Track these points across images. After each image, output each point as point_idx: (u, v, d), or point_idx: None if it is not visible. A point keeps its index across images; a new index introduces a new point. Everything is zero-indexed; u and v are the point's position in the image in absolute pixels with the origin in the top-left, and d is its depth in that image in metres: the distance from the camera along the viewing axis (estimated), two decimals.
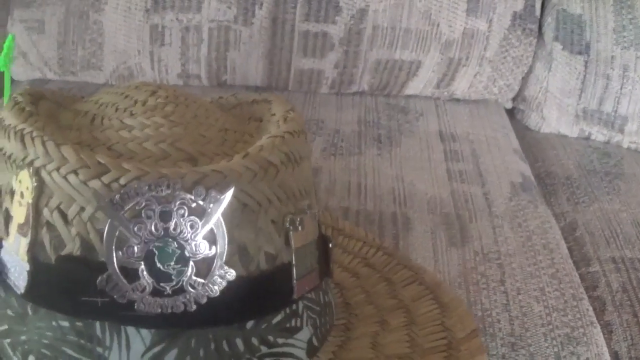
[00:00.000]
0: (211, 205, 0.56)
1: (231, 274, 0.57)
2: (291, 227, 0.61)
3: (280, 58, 1.35)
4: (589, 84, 1.36)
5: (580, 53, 1.36)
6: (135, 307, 0.56)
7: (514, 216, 1.03)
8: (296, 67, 1.36)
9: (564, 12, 1.37)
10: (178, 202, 0.55)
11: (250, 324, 0.60)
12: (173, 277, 0.56)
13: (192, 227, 0.56)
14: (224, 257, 0.57)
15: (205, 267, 0.56)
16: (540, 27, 1.40)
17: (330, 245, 0.69)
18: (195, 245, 0.56)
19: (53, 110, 0.68)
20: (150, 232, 0.55)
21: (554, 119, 1.40)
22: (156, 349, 0.58)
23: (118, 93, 0.68)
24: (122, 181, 0.55)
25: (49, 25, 1.36)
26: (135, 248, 0.55)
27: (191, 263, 0.56)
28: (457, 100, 1.42)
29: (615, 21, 1.33)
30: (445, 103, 1.40)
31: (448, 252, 0.94)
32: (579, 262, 1.03)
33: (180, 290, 0.56)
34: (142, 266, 0.55)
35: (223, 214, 0.56)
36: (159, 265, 0.56)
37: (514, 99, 1.46)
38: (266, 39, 1.33)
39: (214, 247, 0.56)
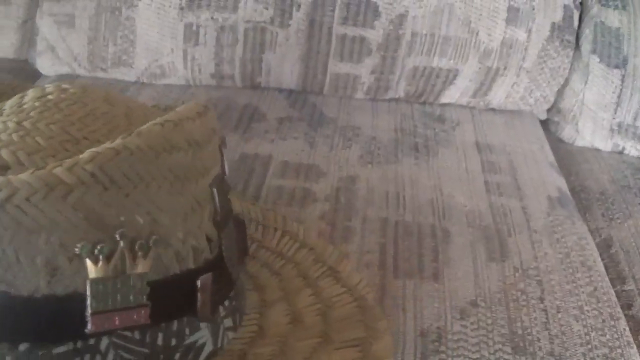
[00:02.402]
0: None
1: None
2: (85, 255, 0.57)
3: (316, 61, 1.34)
4: (625, 98, 1.34)
5: (617, 67, 1.34)
6: None
7: (552, 232, 1.02)
8: (332, 72, 1.34)
9: (602, 24, 1.36)
10: None
11: (23, 346, 0.58)
12: None
13: None
14: None
15: None
16: (577, 39, 1.39)
17: (199, 283, 0.64)
18: None
19: None
20: None
21: (589, 132, 1.39)
22: None
23: (23, 95, 0.68)
24: None
25: (79, 20, 1.35)
26: None
27: None
28: (493, 110, 1.41)
29: None
30: (481, 112, 1.39)
31: (488, 267, 0.93)
32: (614, 280, 1.02)
33: None
34: None
35: None
36: None
37: (548, 111, 1.44)
38: (303, 42, 1.32)
39: None
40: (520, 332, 0.83)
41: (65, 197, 0.55)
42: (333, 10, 1.30)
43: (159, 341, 0.62)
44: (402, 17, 1.30)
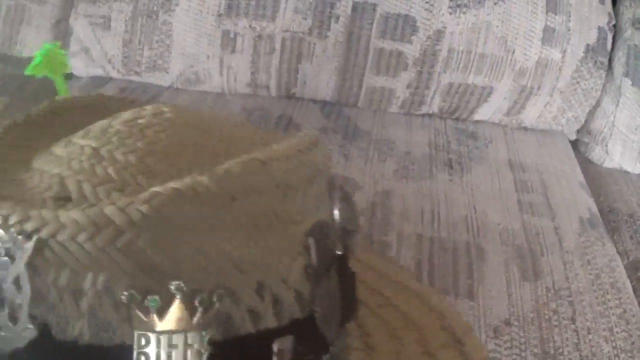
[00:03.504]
0: (18, 251, 0.51)
1: (31, 331, 0.52)
2: (134, 305, 0.51)
3: (353, 74, 1.34)
4: None
5: None
6: None
7: (583, 253, 1.03)
8: (368, 85, 1.35)
9: (635, 47, 1.36)
10: None
11: None
12: None
13: (4, 268, 0.52)
14: (26, 310, 0.52)
15: (14, 313, 0.52)
16: (610, 61, 1.40)
17: (275, 348, 0.56)
18: (7, 288, 0.52)
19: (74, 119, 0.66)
20: None
21: (618, 154, 1.39)
22: None
23: (117, 115, 0.63)
24: None
25: (115, 22, 1.36)
26: None
27: (6, 305, 0.52)
28: (524, 128, 1.41)
29: None
30: (513, 131, 1.39)
31: (521, 286, 0.93)
32: None
33: None
34: None
35: (28, 265, 0.51)
36: None
37: (578, 131, 1.45)
38: (340, 54, 1.33)
39: (20, 296, 0.51)
40: (552, 352, 0.84)
41: (114, 240, 0.50)
42: (371, 24, 1.31)
43: None
44: (439, 33, 1.31)
